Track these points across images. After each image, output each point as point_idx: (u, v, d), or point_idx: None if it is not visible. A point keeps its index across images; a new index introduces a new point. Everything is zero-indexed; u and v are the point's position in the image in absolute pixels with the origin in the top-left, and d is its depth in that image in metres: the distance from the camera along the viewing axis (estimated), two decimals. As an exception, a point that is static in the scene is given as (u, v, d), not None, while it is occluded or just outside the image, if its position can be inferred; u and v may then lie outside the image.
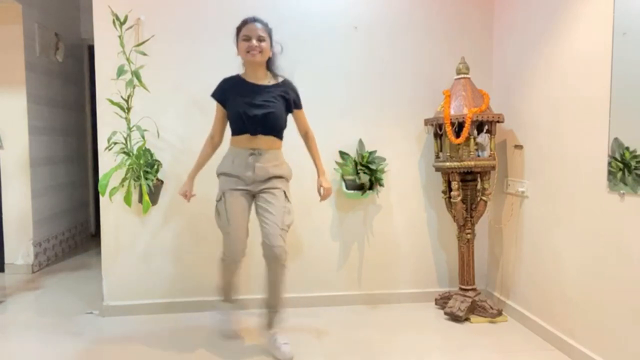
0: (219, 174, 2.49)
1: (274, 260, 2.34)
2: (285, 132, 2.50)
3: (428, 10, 3.14)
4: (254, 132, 2.37)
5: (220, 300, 2.67)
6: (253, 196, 2.45)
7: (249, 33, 2.34)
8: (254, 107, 2.35)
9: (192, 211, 3.02)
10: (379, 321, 2.92)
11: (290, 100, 2.44)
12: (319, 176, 2.59)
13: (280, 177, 2.43)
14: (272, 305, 2.46)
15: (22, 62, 3.88)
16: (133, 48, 2.79)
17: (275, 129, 2.41)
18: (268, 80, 2.43)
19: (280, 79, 2.46)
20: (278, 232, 2.32)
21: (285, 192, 2.43)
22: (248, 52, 2.34)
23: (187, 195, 2.54)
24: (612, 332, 2.15)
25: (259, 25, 2.35)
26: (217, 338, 2.65)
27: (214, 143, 2.57)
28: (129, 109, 2.80)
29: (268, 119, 2.36)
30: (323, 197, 2.56)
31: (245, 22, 2.37)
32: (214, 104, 2.98)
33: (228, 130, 2.51)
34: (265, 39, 2.36)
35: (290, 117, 2.51)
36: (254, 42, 2.33)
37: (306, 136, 2.59)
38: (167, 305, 3.03)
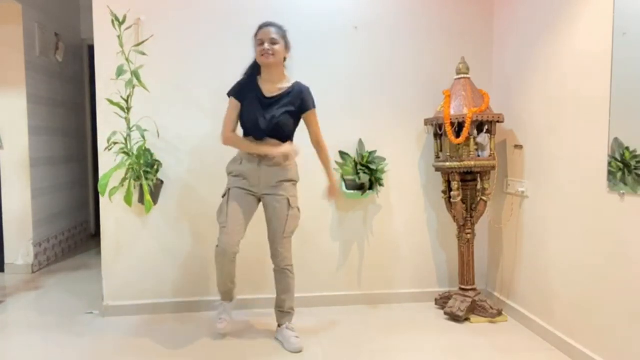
0: (228, 173, 2.58)
1: (278, 271, 2.58)
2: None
3: (428, 10, 3.14)
4: (261, 138, 2.49)
5: (219, 297, 2.68)
6: (259, 199, 2.56)
7: (262, 37, 2.45)
8: (262, 117, 2.47)
9: (192, 211, 3.02)
10: (379, 321, 2.92)
11: (298, 108, 2.51)
12: (329, 181, 2.71)
13: (287, 181, 2.53)
14: (282, 307, 2.63)
15: (22, 62, 3.88)
16: (132, 48, 2.79)
17: (282, 136, 2.51)
18: (282, 84, 2.53)
19: (292, 83, 2.55)
20: (279, 242, 2.52)
21: (289, 200, 2.52)
22: (262, 55, 2.44)
23: (293, 153, 2.55)
24: (612, 332, 2.15)
25: (272, 29, 2.45)
26: (215, 337, 2.65)
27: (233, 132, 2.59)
28: (128, 109, 2.80)
29: (274, 130, 2.47)
30: (335, 199, 2.76)
31: (260, 27, 2.48)
32: (213, 103, 3.00)
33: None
34: (279, 42, 2.45)
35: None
36: (267, 45, 2.42)
37: (318, 146, 2.63)
38: (167, 305, 3.03)
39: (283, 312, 2.62)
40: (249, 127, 2.50)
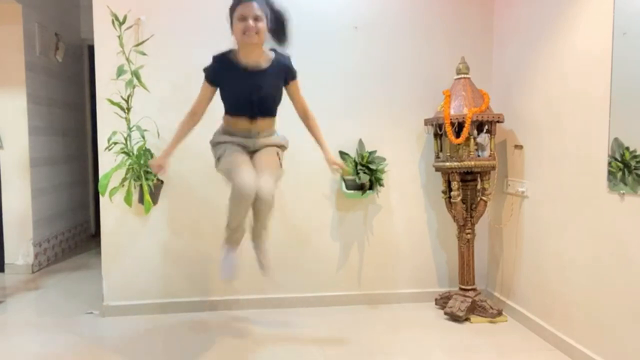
0: (215, 143, 2.42)
1: (265, 203, 2.21)
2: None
3: (428, 10, 3.14)
4: (252, 116, 2.30)
5: (226, 239, 2.42)
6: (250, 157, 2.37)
7: (245, 13, 2.17)
8: (252, 91, 2.27)
9: (192, 211, 3.02)
10: (379, 321, 2.92)
11: (283, 78, 2.35)
12: (326, 153, 2.45)
13: (274, 145, 2.39)
14: (259, 231, 2.38)
15: (22, 62, 3.88)
16: (133, 48, 2.79)
17: (272, 112, 2.37)
18: (262, 61, 2.29)
19: (272, 56, 2.32)
20: (270, 179, 2.23)
21: (278, 152, 2.38)
22: (244, 33, 2.17)
23: (163, 167, 2.37)
24: (612, 332, 2.15)
25: (255, 3, 2.18)
26: (215, 337, 2.65)
27: (195, 121, 2.41)
28: (128, 109, 2.80)
29: (266, 102, 2.30)
30: (341, 167, 2.46)
31: (239, 1, 2.20)
32: (213, 103, 2.98)
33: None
34: (262, 19, 2.19)
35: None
36: (251, 22, 2.15)
37: (306, 116, 2.45)
38: (167, 305, 3.03)
39: (257, 234, 2.44)
40: (238, 106, 2.29)
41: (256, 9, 2.18)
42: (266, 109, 2.34)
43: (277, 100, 2.37)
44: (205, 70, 2.32)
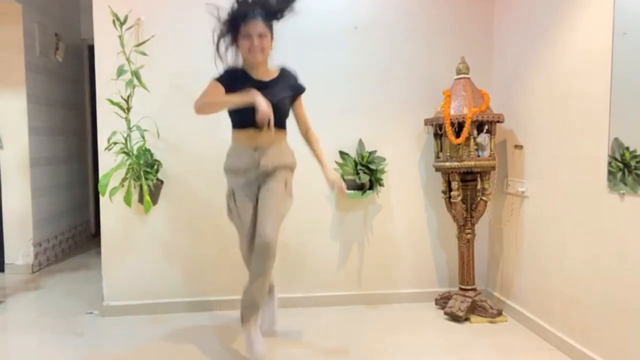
0: (226, 170, 2.37)
1: (260, 247, 2.19)
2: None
3: (428, 10, 3.14)
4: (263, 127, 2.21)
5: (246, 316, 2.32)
6: (258, 187, 2.33)
7: (250, 30, 2.17)
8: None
9: (192, 211, 3.02)
10: (379, 321, 2.92)
11: (292, 92, 2.35)
12: (325, 171, 2.39)
13: (283, 167, 2.34)
14: (250, 294, 2.29)
15: (22, 62, 3.88)
16: (133, 48, 2.79)
17: (282, 122, 2.31)
18: (269, 75, 2.31)
19: (278, 70, 2.35)
20: (270, 220, 2.20)
21: (286, 180, 2.34)
22: (249, 51, 2.19)
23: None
24: (612, 332, 2.15)
25: (259, 20, 2.16)
26: (214, 336, 2.64)
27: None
28: (129, 109, 2.81)
29: (275, 112, 2.19)
30: (339, 190, 2.36)
31: (244, 17, 2.17)
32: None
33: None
34: (267, 34, 2.19)
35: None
36: (255, 40, 2.16)
37: (308, 134, 2.46)
38: (167, 305, 3.03)
39: (245, 300, 2.37)
40: (247, 115, 2.17)
41: (260, 25, 2.17)
42: (278, 119, 2.24)
43: (286, 112, 2.35)
44: (219, 75, 2.27)
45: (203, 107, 2.24)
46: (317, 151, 2.45)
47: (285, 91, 2.32)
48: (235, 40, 2.27)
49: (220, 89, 2.24)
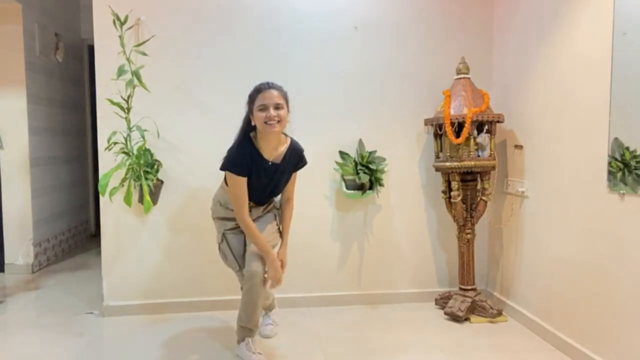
0: (216, 219, 2.51)
1: (248, 279, 2.29)
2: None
3: (428, 10, 3.14)
4: (259, 202, 2.44)
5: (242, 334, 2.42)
6: None
7: (265, 102, 2.19)
8: (267, 186, 2.38)
9: (192, 211, 3.02)
10: (379, 321, 2.92)
11: (293, 168, 2.44)
12: (280, 247, 2.46)
13: (273, 207, 2.53)
14: (241, 320, 2.38)
15: (22, 62, 3.88)
16: (133, 48, 2.79)
17: (278, 194, 2.51)
18: (281, 146, 2.35)
19: (288, 142, 2.38)
20: (257, 254, 2.30)
21: (276, 215, 2.50)
22: (266, 122, 2.19)
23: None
24: (612, 332, 2.15)
25: (275, 92, 2.21)
26: (213, 336, 2.65)
27: (246, 206, 2.34)
28: (129, 109, 2.80)
29: (276, 191, 2.45)
30: (274, 279, 2.33)
31: (259, 90, 2.22)
32: (213, 104, 3.00)
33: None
34: (283, 106, 2.22)
35: None
36: (272, 112, 2.18)
37: (288, 203, 2.50)
38: (167, 305, 3.03)
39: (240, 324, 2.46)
40: (252, 195, 2.33)
41: (276, 96, 2.20)
42: (274, 195, 2.47)
43: (283, 187, 2.48)
44: (235, 166, 2.26)
45: (245, 227, 2.32)
46: (286, 223, 2.51)
47: (290, 171, 2.43)
48: (251, 113, 2.27)
49: (242, 181, 2.27)
